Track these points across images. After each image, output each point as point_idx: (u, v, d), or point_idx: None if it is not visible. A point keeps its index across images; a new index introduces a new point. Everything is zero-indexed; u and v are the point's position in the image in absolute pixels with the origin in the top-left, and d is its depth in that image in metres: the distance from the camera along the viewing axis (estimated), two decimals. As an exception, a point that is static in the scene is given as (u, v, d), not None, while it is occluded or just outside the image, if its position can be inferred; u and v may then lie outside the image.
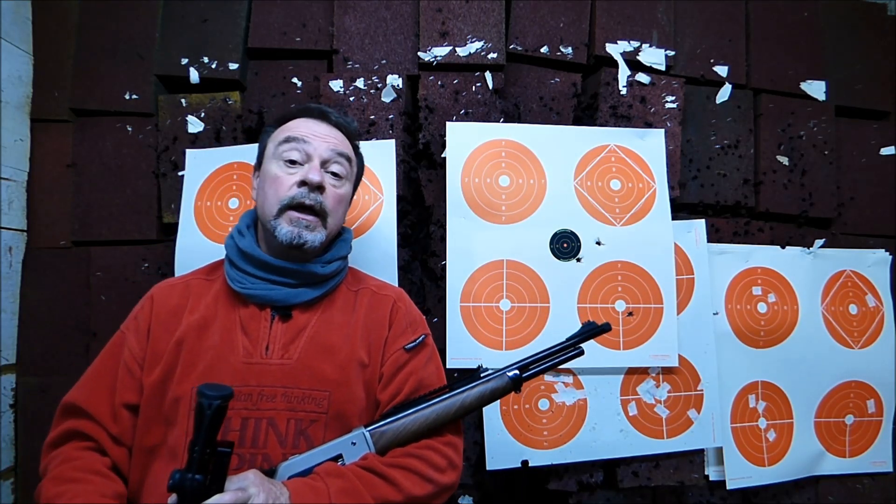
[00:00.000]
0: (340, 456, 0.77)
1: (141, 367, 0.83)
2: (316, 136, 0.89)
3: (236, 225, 0.92)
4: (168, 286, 0.91)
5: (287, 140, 0.88)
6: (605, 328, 0.89)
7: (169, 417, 0.79)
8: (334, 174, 0.90)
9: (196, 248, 1.20)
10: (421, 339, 0.90)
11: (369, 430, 0.79)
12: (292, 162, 0.87)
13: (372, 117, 1.29)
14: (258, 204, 0.90)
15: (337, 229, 0.92)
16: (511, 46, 1.35)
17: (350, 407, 0.82)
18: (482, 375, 0.85)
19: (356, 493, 0.72)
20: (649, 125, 1.35)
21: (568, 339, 0.89)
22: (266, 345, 0.83)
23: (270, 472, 0.74)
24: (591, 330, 0.89)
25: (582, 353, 0.89)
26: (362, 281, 0.97)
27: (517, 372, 0.85)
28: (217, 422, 0.62)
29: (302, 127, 0.90)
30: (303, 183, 0.85)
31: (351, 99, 1.29)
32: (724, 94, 1.42)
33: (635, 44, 1.38)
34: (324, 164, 0.89)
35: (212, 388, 0.62)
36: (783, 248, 1.39)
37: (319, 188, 0.86)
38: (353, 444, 0.78)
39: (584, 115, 1.40)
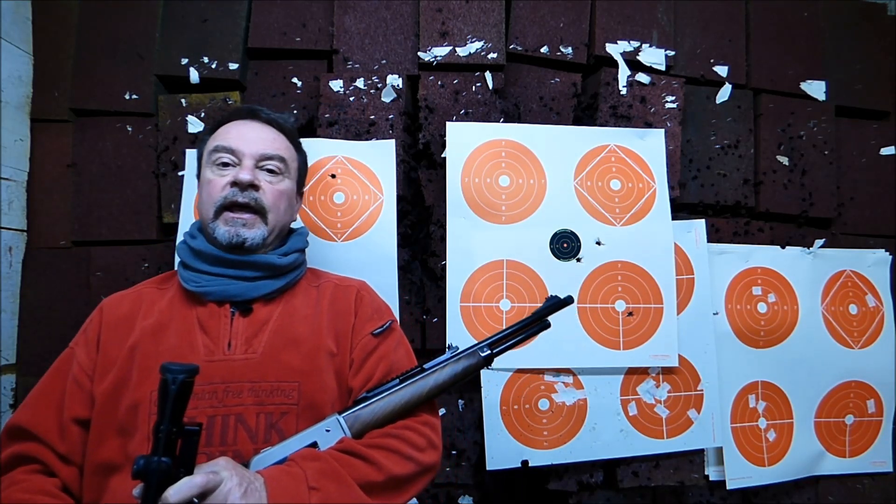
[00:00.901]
0: (315, 444, 0.75)
1: (91, 378, 0.80)
2: (247, 139, 0.89)
3: (187, 231, 0.92)
4: (118, 297, 0.90)
5: (216, 149, 0.88)
6: (568, 301, 0.91)
7: (125, 427, 0.76)
8: (269, 171, 0.90)
9: (196, 248, 1.20)
10: (388, 324, 0.90)
11: (343, 416, 0.77)
12: (224, 165, 0.88)
13: (372, 117, 1.29)
14: (199, 211, 0.91)
15: (283, 225, 0.92)
16: (511, 46, 1.35)
17: (321, 396, 0.81)
18: (453, 355, 0.85)
19: (335, 474, 0.70)
20: (649, 125, 1.35)
21: (533, 314, 0.91)
22: (228, 341, 0.82)
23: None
24: (555, 303, 0.91)
25: (548, 325, 0.92)
26: (322, 276, 0.97)
27: (488, 350, 0.86)
28: (183, 399, 0.59)
29: (232, 132, 0.90)
30: (234, 183, 0.86)
31: (351, 99, 1.29)
32: (724, 94, 1.42)
33: (635, 44, 1.38)
34: (257, 163, 0.89)
35: (176, 364, 0.59)
36: (783, 248, 1.39)
37: (252, 186, 0.86)
38: (328, 430, 0.76)
39: (584, 115, 1.40)
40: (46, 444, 0.77)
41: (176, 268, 0.91)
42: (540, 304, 1.24)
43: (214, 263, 0.85)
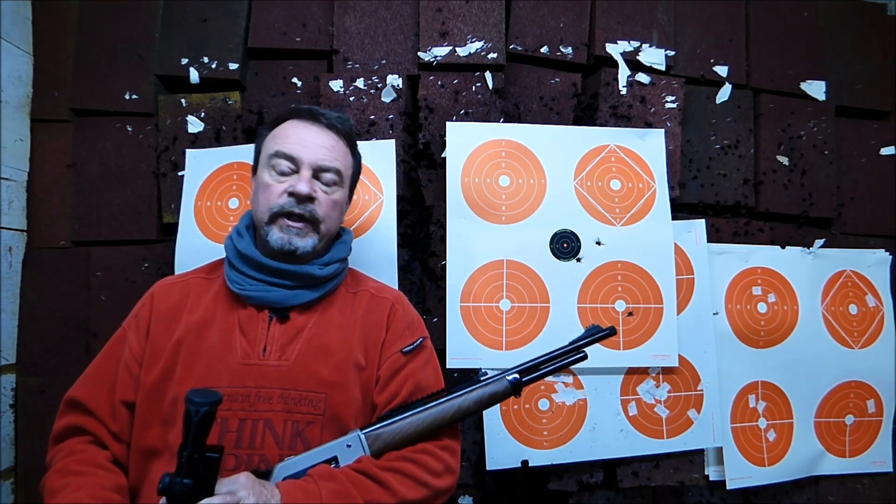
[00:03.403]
0: (336, 458, 0.77)
1: (140, 365, 0.84)
2: (306, 146, 0.88)
3: (236, 226, 0.93)
4: (168, 284, 0.92)
5: (276, 154, 0.88)
6: (611, 332, 0.87)
7: (168, 418, 0.80)
8: (326, 182, 0.89)
9: (196, 248, 1.20)
10: (419, 342, 0.90)
11: (364, 433, 0.79)
12: (283, 172, 0.88)
13: (372, 117, 1.29)
14: (253, 208, 0.91)
15: (332, 233, 0.92)
16: (511, 46, 1.35)
17: (346, 409, 0.82)
18: (482, 379, 0.84)
19: (348, 495, 0.72)
20: (649, 125, 1.35)
21: (571, 343, 0.87)
22: (264, 346, 0.84)
23: (266, 473, 0.74)
24: (596, 334, 0.87)
25: (585, 357, 0.87)
26: (361, 283, 0.97)
27: (517, 376, 0.84)
28: (204, 428, 0.63)
29: (292, 135, 0.89)
30: (292, 193, 0.85)
31: (351, 99, 1.29)
32: (724, 94, 1.42)
33: (635, 44, 1.38)
34: (315, 172, 0.88)
35: (199, 394, 0.62)
36: (783, 248, 1.39)
37: (309, 199, 0.86)
38: (349, 446, 0.78)
39: (584, 115, 1.40)
40: (101, 421, 0.82)
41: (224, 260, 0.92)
42: (540, 304, 1.26)
43: (257, 269, 0.86)
